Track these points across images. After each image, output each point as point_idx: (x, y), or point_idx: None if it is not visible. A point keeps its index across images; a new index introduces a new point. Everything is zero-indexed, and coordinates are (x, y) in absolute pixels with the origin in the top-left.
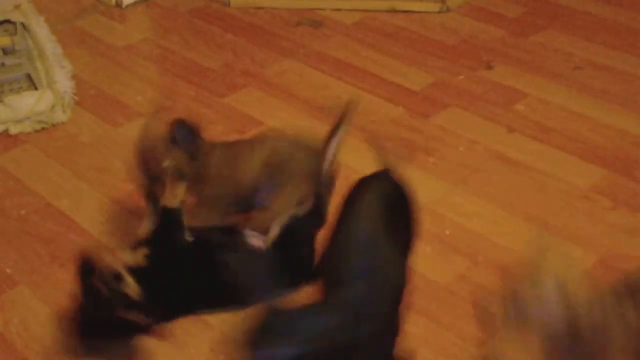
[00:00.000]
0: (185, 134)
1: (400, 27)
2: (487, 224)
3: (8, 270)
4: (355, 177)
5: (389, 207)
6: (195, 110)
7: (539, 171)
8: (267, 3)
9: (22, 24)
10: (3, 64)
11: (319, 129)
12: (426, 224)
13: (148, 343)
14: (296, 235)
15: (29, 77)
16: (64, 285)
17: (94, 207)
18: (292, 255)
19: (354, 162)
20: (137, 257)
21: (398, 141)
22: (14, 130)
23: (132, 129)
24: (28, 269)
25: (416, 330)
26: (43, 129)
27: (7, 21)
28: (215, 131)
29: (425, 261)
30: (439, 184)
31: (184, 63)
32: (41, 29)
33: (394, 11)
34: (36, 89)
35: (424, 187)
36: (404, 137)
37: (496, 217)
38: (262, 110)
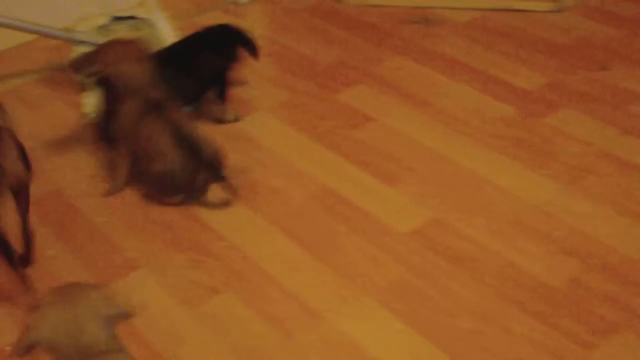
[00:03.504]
0: None
1: (513, 27)
2: (600, 226)
3: (129, 254)
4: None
5: None
6: (309, 106)
7: None
8: (380, 1)
9: (147, 20)
10: None
11: (429, 126)
12: (538, 224)
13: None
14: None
15: None
16: (180, 271)
17: None
18: None
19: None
20: None
21: (509, 141)
22: None
23: (248, 122)
24: (148, 253)
25: (522, 329)
26: None
27: (132, 17)
28: (327, 126)
29: (537, 262)
30: (551, 185)
31: (299, 59)
32: (164, 25)
33: (507, 10)
34: None
35: (536, 188)
36: (515, 137)
37: (609, 220)
38: (374, 106)
